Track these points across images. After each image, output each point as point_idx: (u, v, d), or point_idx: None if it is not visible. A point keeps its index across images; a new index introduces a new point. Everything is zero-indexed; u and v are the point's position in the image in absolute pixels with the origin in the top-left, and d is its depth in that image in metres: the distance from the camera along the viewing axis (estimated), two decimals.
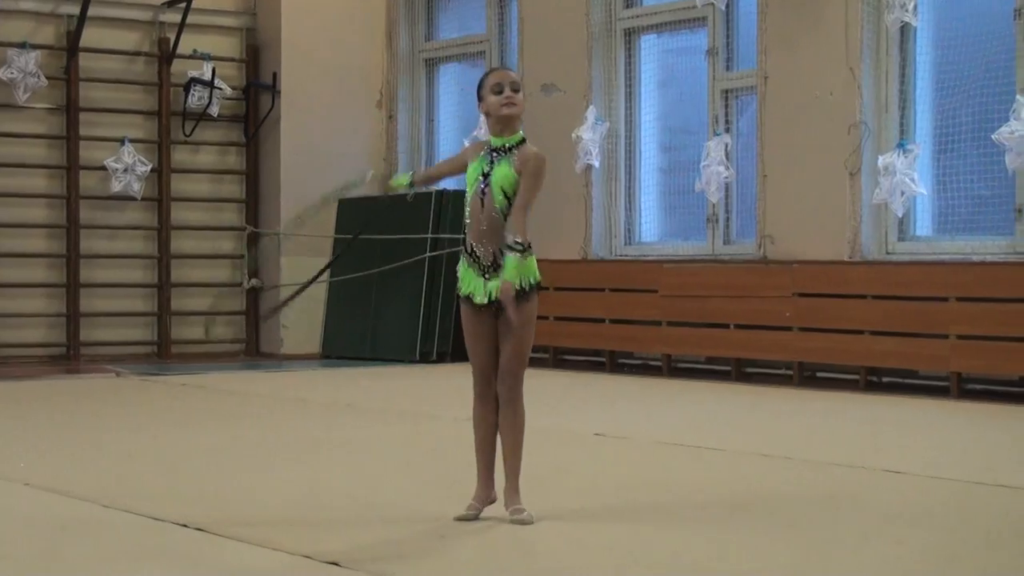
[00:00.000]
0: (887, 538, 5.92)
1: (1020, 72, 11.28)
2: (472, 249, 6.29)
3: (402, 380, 13.70)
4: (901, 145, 11.79)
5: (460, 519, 6.24)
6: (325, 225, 16.38)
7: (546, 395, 11.94)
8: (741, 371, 12.92)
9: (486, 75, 6.40)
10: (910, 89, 12.13)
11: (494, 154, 6.28)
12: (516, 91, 6.28)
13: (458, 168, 6.48)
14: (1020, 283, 10.96)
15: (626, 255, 14.42)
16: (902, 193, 11.70)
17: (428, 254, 15.34)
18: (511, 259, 6.16)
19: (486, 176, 6.25)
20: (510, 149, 6.28)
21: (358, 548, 5.72)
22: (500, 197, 6.21)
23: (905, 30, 12.06)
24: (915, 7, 11.71)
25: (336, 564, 5.40)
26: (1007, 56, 11.43)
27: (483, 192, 6.24)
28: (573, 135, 14.28)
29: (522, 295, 6.18)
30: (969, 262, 11.46)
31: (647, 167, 14.48)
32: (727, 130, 13.41)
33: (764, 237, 12.92)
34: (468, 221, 6.30)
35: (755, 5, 13.07)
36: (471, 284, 6.29)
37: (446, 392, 12.62)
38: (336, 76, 16.55)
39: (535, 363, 14.51)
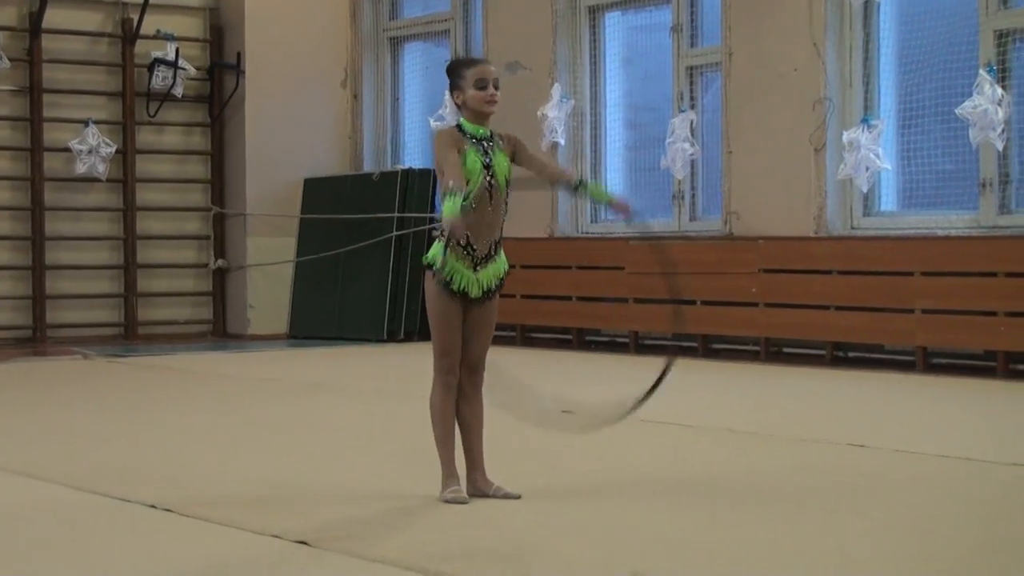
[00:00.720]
0: (855, 512, 5.95)
1: (983, 47, 11.30)
2: (468, 242, 6.16)
3: (370, 359, 13.69)
4: (865, 120, 11.80)
5: (452, 500, 6.16)
6: (291, 204, 16.32)
7: (514, 373, 11.92)
8: (708, 347, 12.94)
9: (465, 64, 6.32)
10: (874, 64, 12.15)
11: (484, 144, 6.24)
12: (497, 88, 6.25)
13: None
14: (984, 257, 11.02)
15: (592, 232, 14.42)
16: (867, 168, 11.71)
17: (395, 233, 15.31)
18: (594, 186, 6.49)
19: (488, 168, 6.20)
20: (492, 137, 6.27)
21: (327, 527, 5.71)
22: (504, 187, 6.23)
23: (868, 6, 12.07)
24: None
25: (305, 543, 5.39)
26: (970, 31, 11.45)
27: (490, 184, 6.19)
28: (539, 113, 14.26)
29: (498, 289, 6.31)
30: (934, 236, 11.50)
31: (612, 144, 14.47)
32: (692, 107, 13.40)
33: (730, 213, 12.94)
34: (461, 214, 5.99)
35: None
36: (463, 279, 6.19)
37: (414, 371, 12.59)
38: (300, 55, 16.47)
39: (504, 341, 14.56)
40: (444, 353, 6.25)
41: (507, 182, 6.25)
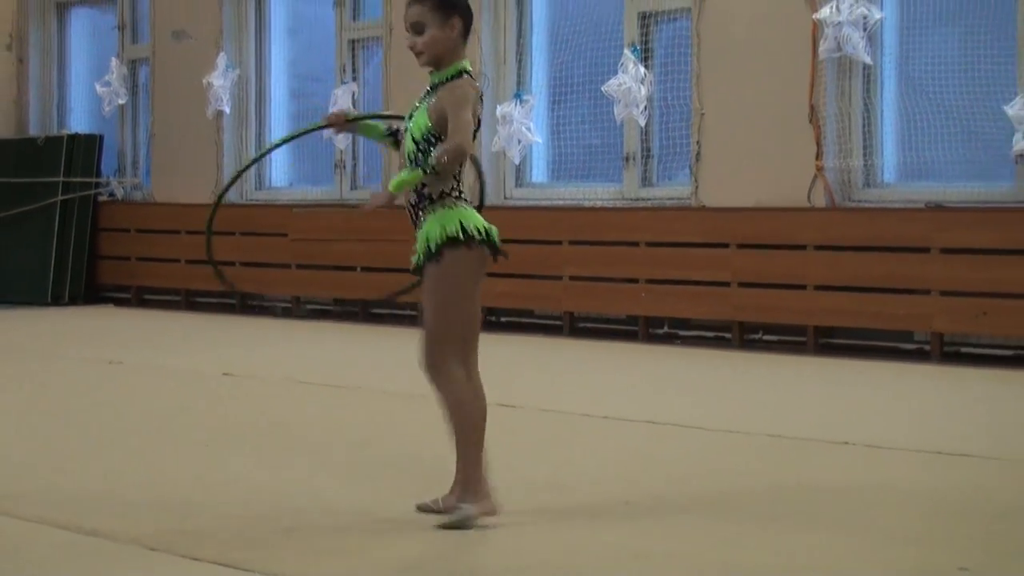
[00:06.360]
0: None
1: (627, 28, 11.30)
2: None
3: (33, 322, 13.00)
4: (518, 95, 11.71)
5: (422, 508, 5.05)
6: None
7: (176, 336, 11.54)
8: (368, 312, 12.69)
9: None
10: (527, 42, 12.06)
11: (426, 92, 5.10)
12: (419, 32, 5.00)
13: None
14: (627, 227, 11.05)
15: (256, 200, 13.97)
16: (519, 141, 11.64)
17: (60, 197, 14.59)
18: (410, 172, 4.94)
19: (410, 117, 5.09)
20: (437, 87, 5.05)
21: None
22: (411, 145, 5.02)
23: None
24: None
25: None
26: (616, 13, 11.44)
27: (403, 141, 5.12)
28: (204, 81, 13.73)
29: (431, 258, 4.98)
30: (581, 207, 11.49)
31: (277, 113, 14.04)
32: (354, 78, 13.10)
33: (389, 179, 12.67)
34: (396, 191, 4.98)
35: None
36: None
37: (78, 334, 12.08)
38: None
39: (164, 304, 14.03)
40: None
41: (415, 141, 5.00)
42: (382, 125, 5.38)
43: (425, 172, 4.90)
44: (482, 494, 4.94)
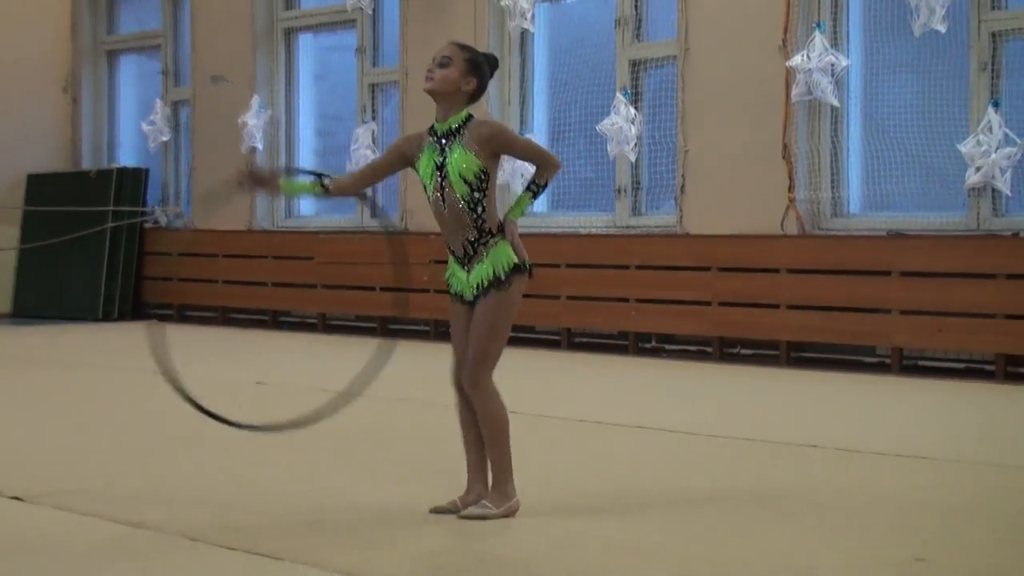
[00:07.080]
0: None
1: (619, 73, 11.34)
2: (449, 246, 5.06)
3: (85, 336, 13.02)
4: (521, 135, 11.73)
5: (435, 511, 5.06)
6: (14, 197, 15.40)
7: (214, 348, 11.55)
8: (386, 328, 12.71)
9: None
10: (529, 86, 12.09)
11: (443, 141, 5.01)
12: (443, 65, 5.00)
13: (388, 165, 5.19)
14: (618, 252, 11.06)
15: (286, 227, 14.02)
16: (522, 175, 11.64)
17: (110, 224, 14.65)
18: (525, 197, 5.03)
19: (441, 168, 4.98)
20: (458, 130, 5.01)
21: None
22: (462, 186, 4.95)
23: (524, 35, 12.00)
24: (532, 16, 11.67)
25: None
26: (609, 59, 11.48)
27: (442, 187, 4.98)
28: (239, 120, 13.79)
29: (491, 288, 4.99)
30: (577, 235, 11.51)
31: (304, 150, 14.11)
32: (374, 118, 13.15)
33: (406, 211, 12.73)
34: (436, 219, 5.06)
35: (397, 9, 12.84)
36: (458, 281, 5.07)
37: (125, 347, 12.08)
38: (24, 65, 15.45)
39: (203, 320, 14.06)
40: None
41: (466, 180, 4.95)
42: (307, 179, 5.23)
43: (536, 193, 5.04)
44: (508, 495, 5.00)
